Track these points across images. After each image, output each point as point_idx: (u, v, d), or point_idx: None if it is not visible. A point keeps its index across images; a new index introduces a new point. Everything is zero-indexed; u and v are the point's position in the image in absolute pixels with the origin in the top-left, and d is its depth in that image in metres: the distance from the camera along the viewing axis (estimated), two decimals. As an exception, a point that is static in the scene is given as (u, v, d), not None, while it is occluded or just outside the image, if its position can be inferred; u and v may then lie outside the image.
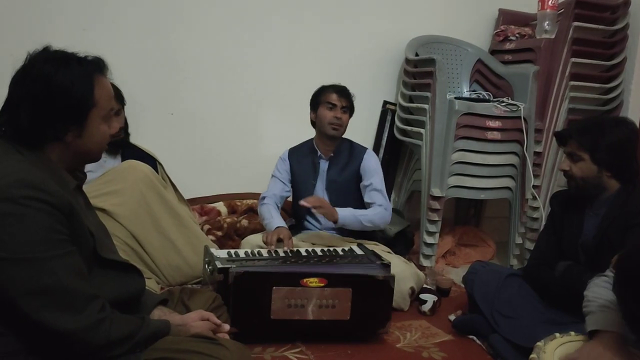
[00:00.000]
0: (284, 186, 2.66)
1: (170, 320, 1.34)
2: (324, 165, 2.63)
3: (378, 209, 2.50)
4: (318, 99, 2.59)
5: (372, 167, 2.59)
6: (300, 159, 2.66)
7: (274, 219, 2.48)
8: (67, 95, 1.15)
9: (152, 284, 2.33)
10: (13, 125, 1.15)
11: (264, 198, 2.62)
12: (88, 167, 2.58)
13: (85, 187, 2.42)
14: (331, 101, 2.54)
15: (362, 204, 2.54)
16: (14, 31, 2.62)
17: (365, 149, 2.66)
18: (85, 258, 1.18)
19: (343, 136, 2.64)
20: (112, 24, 2.81)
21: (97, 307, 1.13)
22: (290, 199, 2.74)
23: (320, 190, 2.62)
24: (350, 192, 2.59)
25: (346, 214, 2.41)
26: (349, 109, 2.58)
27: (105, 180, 2.38)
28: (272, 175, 2.69)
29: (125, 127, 2.61)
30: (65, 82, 1.15)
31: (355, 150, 2.63)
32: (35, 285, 1.07)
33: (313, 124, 2.64)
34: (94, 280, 1.19)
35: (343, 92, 2.57)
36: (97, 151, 1.27)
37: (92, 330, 1.11)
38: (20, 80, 1.16)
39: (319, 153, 2.63)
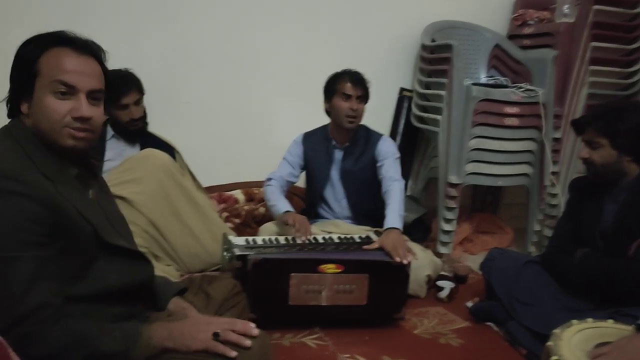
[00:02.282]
0: (292, 170, 2.62)
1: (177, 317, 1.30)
2: (338, 154, 2.60)
3: (397, 191, 2.40)
4: (332, 88, 2.51)
5: (386, 149, 2.54)
6: (315, 145, 2.63)
7: (280, 203, 2.46)
8: (16, 64, 1.18)
9: (171, 271, 2.37)
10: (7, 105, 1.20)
11: (270, 179, 2.59)
12: (108, 156, 2.65)
13: (105, 176, 2.47)
14: (346, 91, 2.46)
15: (378, 193, 2.51)
16: (38, 26, 2.64)
17: (380, 135, 2.62)
18: (85, 247, 1.16)
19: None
20: (130, 15, 2.82)
21: (37, 319, 1.04)
22: (298, 185, 2.73)
23: (335, 179, 2.61)
24: (365, 182, 2.57)
25: (398, 220, 2.31)
26: (365, 97, 2.51)
27: (124, 169, 2.41)
28: (283, 158, 2.65)
29: (143, 116, 2.64)
30: (19, 53, 1.19)
31: (371, 138, 2.59)
32: None
33: (328, 113, 2.59)
34: (100, 267, 1.18)
35: (358, 80, 2.49)
36: (50, 128, 1.15)
37: (17, 346, 1.03)
38: None
39: (334, 142, 2.60)
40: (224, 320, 1.22)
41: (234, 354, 1.13)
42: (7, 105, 1.21)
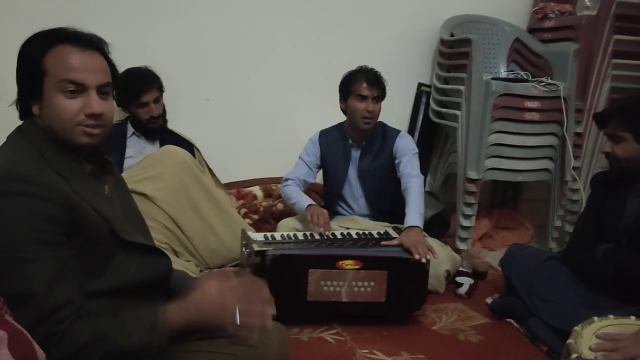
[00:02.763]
0: (309, 171, 2.60)
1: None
2: (355, 153, 2.58)
3: (416, 188, 2.35)
4: (347, 88, 2.47)
5: (404, 145, 2.50)
6: (331, 143, 2.61)
7: (303, 199, 2.44)
8: (22, 66, 1.17)
9: (191, 267, 2.39)
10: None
11: (287, 180, 2.58)
12: (128, 153, 2.68)
13: (125, 173, 2.51)
14: (361, 93, 2.41)
15: (396, 190, 2.49)
16: (55, 21, 2.68)
17: (398, 131, 2.58)
18: (102, 244, 1.16)
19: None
20: (149, 12, 2.85)
21: (56, 321, 1.04)
22: (318, 181, 2.73)
23: (353, 178, 2.59)
24: (384, 180, 2.55)
25: (418, 218, 2.25)
26: (381, 96, 2.46)
27: (144, 166, 2.43)
28: (300, 157, 2.64)
29: (163, 114, 2.67)
30: (23, 53, 1.17)
31: (388, 135, 2.56)
32: (9, 288, 1.03)
33: (343, 111, 2.56)
34: (118, 263, 1.18)
35: (373, 80, 2.43)
36: (62, 128, 1.15)
37: (43, 346, 1.03)
38: None
39: (350, 141, 2.58)
40: (239, 297, 1.15)
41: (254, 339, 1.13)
42: (17, 107, 1.22)
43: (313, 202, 2.44)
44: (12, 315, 1.09)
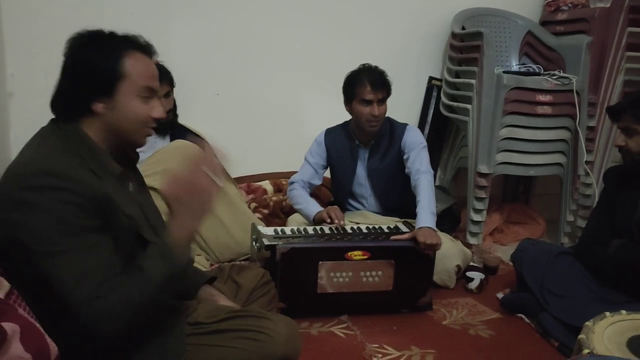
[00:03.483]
0: (315, 173, 2.57)
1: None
2: (363, 153, 2.53)
3: (426, 185, 2.31)
4: (351, 91, 2.39)
5: (412, 139, 2.45)
6: (338, 144, 2.56)
7: (310, 205, 2.44)
8: (91, 65, 1.18)
9: (201, 261, 2.41)
10: (58, 97, 1.21)
11: (292, 183, 2.56)
12: (139, 148, 2.68)
13: (137, 167, 2.51)
14: (365, 97, 2.34)
15: (405, 187, 2.45)
16: (66, 17, 2.70)
17: (404, 125, 2.52)
18: (128, 242, 1.19)
19: None
20: (160, 7, 2.85)
21: (94, 309, 1.06)
22: (325, 175, 2.72)
23: (362, 177, 2.56)
24: (393, 177, 2.51)
25: (430, 218, 2.21)
26: (387, 96, 2.39)
27: (155, 160, 2.44)
28: (305, 159, 2.60)
29: (174, 109, 2.67)
30: (91, 53, 1.19)
31: (395, 131, 2.50)
32: (56, 277, 1.06)
33: (349, 112, 2.51)
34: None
35: (377, 82, 2.34)
36: (132, 129, 1.23)
37: (93, 329, 1.07)
38: (64, 59, 1.23)
39: (357, 142, 2.53)
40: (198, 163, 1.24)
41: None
42: (55, 101, 1.23)
43: (321, 209, 2.41)
44: (25, 308, 1.10)
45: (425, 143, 2.48)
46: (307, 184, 2.56)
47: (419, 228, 2.17)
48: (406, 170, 2.44)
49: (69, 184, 1.08)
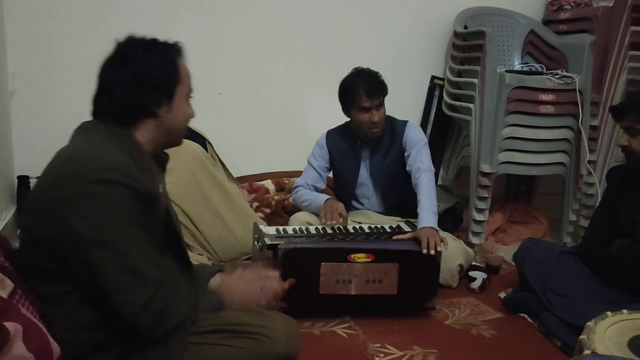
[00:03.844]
0: (318, 177, 2.55)
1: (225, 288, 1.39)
2: (365, 153, 2.52)
3: (427, 184, 2.31)
4: (348, 100, 2.38)
5: (412, 136, 2.44)
6: (340, 145, 2.55)
7: (319, 197, 2.44)
8: (157, 73, 1.25)
9: (203, 260, 2.41)
10: (113, 105, 1.23)
11: (297, 187, 2.55)
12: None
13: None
14: (363, 105, 2.32)
15: (407, 185, 2.44)
16: (67, 16, 2.70)
17: (405, 122, 2.51)
18: (157, 242, 1.24)
19: None
20: (163, 6, 2.85)
21: (161, 297, 1.15)
22: (330, 179, 2.72)
23: (365, 177, 2.55)
24: (395, 175, 2.50)
25: (432, 217, 2.21)
26: (384, 99, 2.37)
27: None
28: (308, 162, 2.59)
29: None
30: (157, 60, 1.26)
31: (396, 129, 2.49)
32: (113, 268, 1.11)
33: (349, 118, 2.49)
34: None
35: (373, 89, 2.32)
36: (182, 130, 1.34)
37: (153, 325, 1.14)
38: (112, 66, 1.25)
39: (359, 142, 2.52)
40: (257, 278, 1.38)
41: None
42: (106, 106, 1.25)
43: (329, 197, 2.42)
44: (29, 307, 1.10)
45: (425, 140, 2.48)
46: (311, 187, 2.54)
47: (421, 228, 2.17)
48: (407, 168, 2.44)
49: (128, 180, 1.14)
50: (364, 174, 2.55)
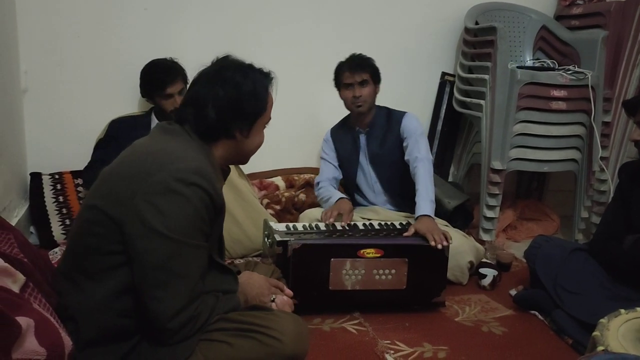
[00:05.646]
0: (334, 168, 2.63)
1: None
2: (362, 139, 2.58)
3: (424, 173, 2.33)
4: (336, 81, 2.52)
5: (409, 126, 2.49)
6: (341, 136, 2.63)
7: (334, 195, 2.49)
8: (249, 100, 1.31)
9: (214, 256, 2.42)
10: (201, 119, 1.29)
11: (318, 183, 2.62)
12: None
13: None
14: (345, 81, 2.46)
15: (409, 174, 2.45)
16: (79, 14, 2.72)
17: (403, 113, 2.56)
18: (212, 252, 1.30)
19: (379, 105, 2.58)
20: (172, 4, 2.85)
21: (194, 307, 1.20)
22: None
23: (365, 164, 2.60)
24: (395, 163, 2.53)
25: (429, 206, 2.26)
26: (370, 79, 2.45)
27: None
28: (321, 158, 2.67)
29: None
30: (252, 88, 1.32)
31: (393, 118, 2.55)
32: (166, 264, 1.15)
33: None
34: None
35: (355, 65, 2.45)
36: (252, 154, 1.42)
37: (180, 331, 1.18)
38: (209, 82, 1.31)
39: (357, 128, 2.58)
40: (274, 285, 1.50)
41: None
42: (193, 120, 1.31)
43: (343, 196, 2.46)
44: (41, 301, 1.12)
45: (422, 130, 2.52)
46: (332, 180, 2.61)
47: (417, 217, 2.21)
48: (405, 158, 2.46)
49: (212, 189, 1.20)
50: (363, 161, 2.60)
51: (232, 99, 1.29)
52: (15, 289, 1.07)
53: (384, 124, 2.55)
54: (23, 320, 0.98)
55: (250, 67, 1.36)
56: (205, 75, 1.33)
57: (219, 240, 1.40)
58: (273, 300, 1.45)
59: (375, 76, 2.48)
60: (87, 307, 1.18)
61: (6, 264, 1.09)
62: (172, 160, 1.19)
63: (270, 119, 1.42)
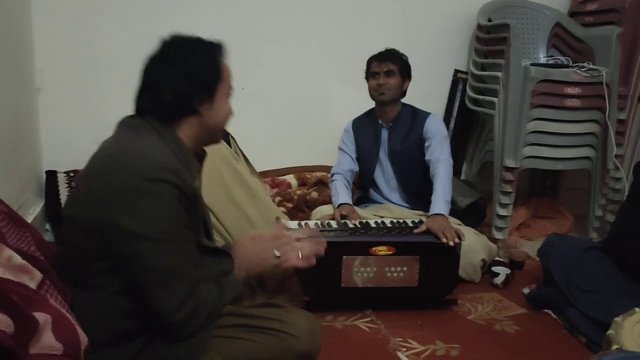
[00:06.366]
0: (351, 160, 2.64)
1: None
2: (384, 134, 2.59)
3: (443, 174, 2.36)
4: (366, 72, 2.56)
5: (433, 127, 2.49)
6: (363, 129, 2.64)
7: (339, 196, 2.49)
8: (202, 71, 1.28)
9: (226, 254, 2.43)
10: (157, 102, 1.26)
11: (332, 175, 2.63)
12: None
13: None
14: (372, 70, 2.50)
15: (427, 175, 2.46)
16: (94, 12, 2.74)
17: (428, 113, 2.56)
18: (195, 244, 1.27)
19: (405, 102, 2.58)
20: (185, 2, 2.87)
21: (196, 297, 1.19)
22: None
23: (384, 159, 2.60)
24: (414, 161, 2.53)
25: (444, 206, 2.27)
26: (398, 72, 2.47)
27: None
28: (339, 148, 2.68)
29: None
30: (201, 58, 1.29)
31: (417, 117, 2.55)
32: (155, 264, 1.14)
33: None
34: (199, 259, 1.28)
35: (383, 56, 2.49)
36: (222, 127, 1.37)
37: (187, 323, 1.18)
38: (157, 64, 1.28)
39: (380, 122, 2.59)
40: (271, 238, 1.39)
41: (301, 262, 1.36)
42: (150, 104, 1.27)
43: (345, 202, 2.46)
44: (57, 298, 1.13)
45: (446, 133, 2.52)
46: (347, 172, 2.62)
47: (432, 216, 2.21)
48: (426, 158, 2.47)
49: (180, 182, 1.16)
50: (382, 156, 2.60)
51: (183, 73, 1.26)
52: (33, 285, 1.08)
53: (408, 121, 2.55)
54: (40, 316, 0.99)
55: (197, 39, 1.33)
56: (152, 60, 1.29)
57: (204, 224, 1.37)
58: (279, 257, 1.34)
59: (403, 70, 2.50)
60: (89, 313, 1.17)
61: (23, 261, 1.10)
62: (136, 159, 1.17)
63: (231, 88, 1.37)
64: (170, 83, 1.25)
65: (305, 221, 2.30)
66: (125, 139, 1.25)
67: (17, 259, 1.07)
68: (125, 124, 1.29)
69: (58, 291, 1.15)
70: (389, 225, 2.28)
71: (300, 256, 1.35)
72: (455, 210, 2.66)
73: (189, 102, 1.27)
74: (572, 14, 3.27)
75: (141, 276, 1.15)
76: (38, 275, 1.11)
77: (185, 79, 1.25)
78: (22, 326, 0.91)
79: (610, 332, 1.45)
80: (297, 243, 1.37)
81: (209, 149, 2.56)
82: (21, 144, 2.43)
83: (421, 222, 2.31)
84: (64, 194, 2.67)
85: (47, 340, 0.98)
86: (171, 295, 1.15)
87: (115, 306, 1.19)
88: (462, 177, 3.40)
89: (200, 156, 1.42)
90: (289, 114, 3.17)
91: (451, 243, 2.08)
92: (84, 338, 1.09)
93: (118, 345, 1.20)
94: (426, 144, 2.49)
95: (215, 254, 1.35)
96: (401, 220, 2.33)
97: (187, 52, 1.28)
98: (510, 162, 2.81)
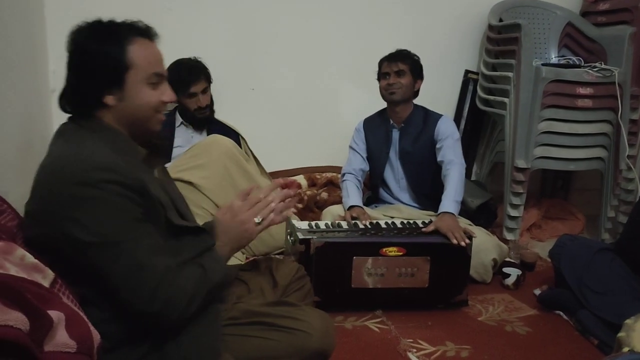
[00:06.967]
0: (362, 159, 2.64)
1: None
2: (396, 135, 2.59)
3: (455, 175, 2.35)
4: (378, 73, 2.56)
5: (445, 129, 2.49)
6: (374, 128, 2.64)
7: (350, 198, 2.49)
8: (98, 59, 1.18)
9: (237, 254, 2.44)
10: (70, 100, 1.22)
11: (343, 175, 2.63)
12: (177, 142, 2.74)
13: (173, 162, 2.57)
14: (384, 70, 2.51)
15: (438, 176, 2.46)
16: (105, 14, 2.76)
17: (440, 115, 2.56)
18: (161, 228, 1.21)
19: (417, 104, 2.58)
20: (196, 3, 2.89)
21: (168, 284, 1.13)
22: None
23: (394, 160, 2.60)
24: (425, 162, 2.53)
25: (453, 205, 2.27)
26: (408, 71, 2.47)
27: (191, 155, 2.49)
28: (350, 147, 2.68)
29: (211, 104, 2.71)
30: (95, 46, 1.19)
31: (429, 119, 2.55)
32: (114, 267, 1.10)
33: None
34: (172, 248, 1.22)
35: (393, 56, 2.50)
36: (145, 117, 1.24)
37: (164, 314, 1.13)
38: (67, 54, 1.23)
39: (391, 122, 2.59)
40: (247, 206, 1.33)
41: (280, 218, 1.36)
42: (65, 99, 1.24)
43: (356, 204, 2.45)
44: (69, 296, 1.14)
45: (458, 135, 2.52)
46: (358, 172, 2.62)
47: (440, 214, 2.22)
48: (438, 159, 2.46)
49: (119, 177, 1.11)
50: (393, 156, 2.60)
51: (83, 61, 1.18)
52: (46, 284, 1.09)
53: (420, 123, 2.55)
54: (54, 314, 1.00)
55: (97, 23, 1.24)
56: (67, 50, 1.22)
57: (174, 205, 1.29)
58: (260, 223, 1.31)
59: (414, 70, 2.50)
60: (96, 320, 1.15)
61: (36, 260, 1.11)
62: (65, 169, 1.11)
63: (155, 74, 1.22)
64: (73, 77, 1.20)
65: (315, 222, 2.30)
66: (55, 148, 1.20)
67: (30, 257, 1.08)
68: (57, 133, 1.23)
69: (70, 290, 1.16)
70: (399, 226, 2.28)
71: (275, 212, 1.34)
72: (466, 211, 2.66)
73: (93, 95, 1.19)
74: (584, 14, 3.25)
75: (108, 281, 1.11)
76: (50, 273, 1.12)
77: (83, 72, 1.18)
78: (37, 324, 0.92)
79: (621, 334, 1.44)
80: (268, 199, 1.35)
81: (219, 150, 2.59)
82: (34, 145, 2.45)
83: (431, 222, 2.31)
84: (76, 194, 2.68)
85: (61, 338, 0.99)
86: (136, 294, 1.11)
87: (102, 312, 1.16)
88: (473, 178, 3.39)
89: (156, 146, 1.32)
90: (299, 114, 3.17)
91: (462, 243, 2.08)
92: (96, 335, 1.10)
93: (124, 347, 1.19)
94: (437, 146, 2.48)
95: (196, 233, 1.30)
96: (411, 221, 2.33)
97: (84, 42, 1.20)
98: (521, 163, 2.80)
